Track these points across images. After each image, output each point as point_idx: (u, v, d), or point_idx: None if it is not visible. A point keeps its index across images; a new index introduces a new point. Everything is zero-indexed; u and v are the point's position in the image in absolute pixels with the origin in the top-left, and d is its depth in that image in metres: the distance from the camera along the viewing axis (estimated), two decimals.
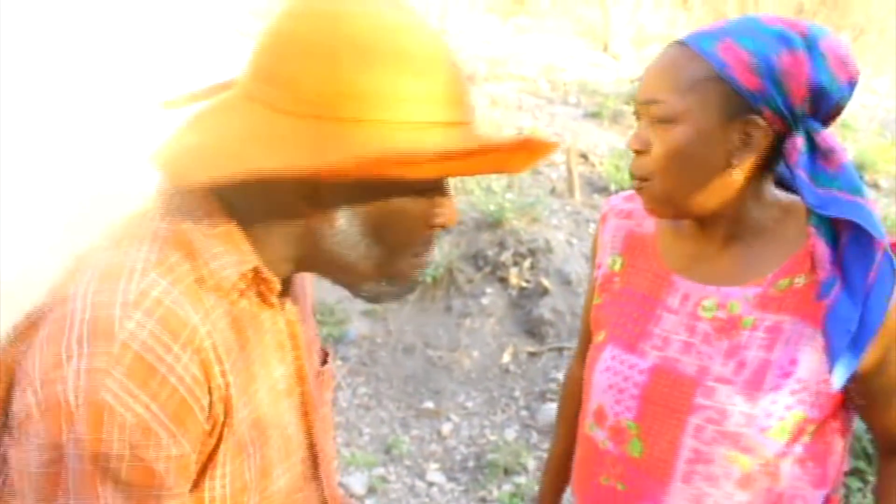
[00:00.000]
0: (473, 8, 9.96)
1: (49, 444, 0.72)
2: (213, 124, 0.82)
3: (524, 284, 4.56)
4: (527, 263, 4.65)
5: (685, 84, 1.13)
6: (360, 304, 4.54)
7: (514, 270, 4.62)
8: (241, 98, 0.82)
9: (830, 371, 1.11)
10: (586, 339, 1.43)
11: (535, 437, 3.85)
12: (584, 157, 6.06)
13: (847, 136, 7.31)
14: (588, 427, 1.32)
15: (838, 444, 1.23)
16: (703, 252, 1.25)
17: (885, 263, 1.12)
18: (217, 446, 0.81)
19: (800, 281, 1.17)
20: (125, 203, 0.91)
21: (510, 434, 3.86)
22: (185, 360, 0.75)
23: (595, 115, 7.08)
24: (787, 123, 1.14)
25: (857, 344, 1.11)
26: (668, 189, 1.17)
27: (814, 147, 1.16)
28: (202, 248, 0.82)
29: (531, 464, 3.65)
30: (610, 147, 6.26)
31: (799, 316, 1.16)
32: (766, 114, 1.12)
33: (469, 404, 4.07)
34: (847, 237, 1.13)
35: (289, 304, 0.94)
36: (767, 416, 1.14)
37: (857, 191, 1.13)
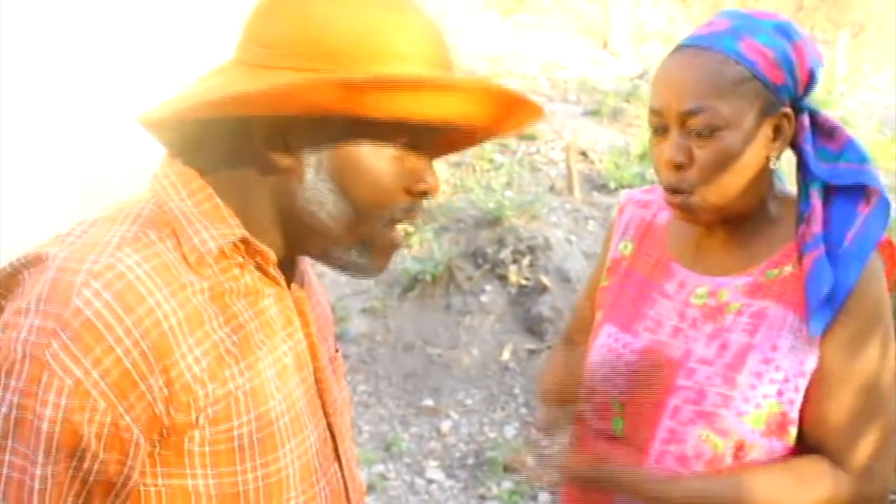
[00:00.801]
0: (473, 5, 9.96)
1: None
2: (200, 83, 0.87)
3: (523, 282, 4.57)
4: (526, 261, 4.66)
5: (729, 88, 1.13)
6: (360, 302, 4.54)
7: (513, 268, 4.63)
8: (230, 62, 0.87)
9: (807, 321, 1.15)
10: (582, 318, 1.46)
11: (534, 434, 3.85)
12: (584, 154, 6.06)
13: None
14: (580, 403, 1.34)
15: None
16: (707, 243, 1.27)
17: (870, 225, 1.17)
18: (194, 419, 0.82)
19: (787, 270, 1.20)
20: (124, 191, 0.93)
21: (510, 431, 3.87)
22: (136, 335, 0.76)
23: (595, 113, 7.08)
24: (796, 108, 1.20)
25: (831, 301, 1.15)
26: (718, 198, 1.17)
27: (814, 128, 1.23)
28: (185, 225, 0.84)
29: (530, 461, 3.66)
30: (609, 144, 6.26)
31: (783, 303, 1.19)
32: (787, 104, 1.18)
33: (468, 402, 4.08)
34: (832, 202, 1.20)
35: (297, 281, 0.95)
36: (745, 400, 1.15)
37: (864, 160, 1.21)
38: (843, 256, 1.16)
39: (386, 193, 0.86)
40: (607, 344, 1.29)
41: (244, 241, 0.86)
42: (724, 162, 1.15)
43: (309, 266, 1.02)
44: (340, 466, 0.98)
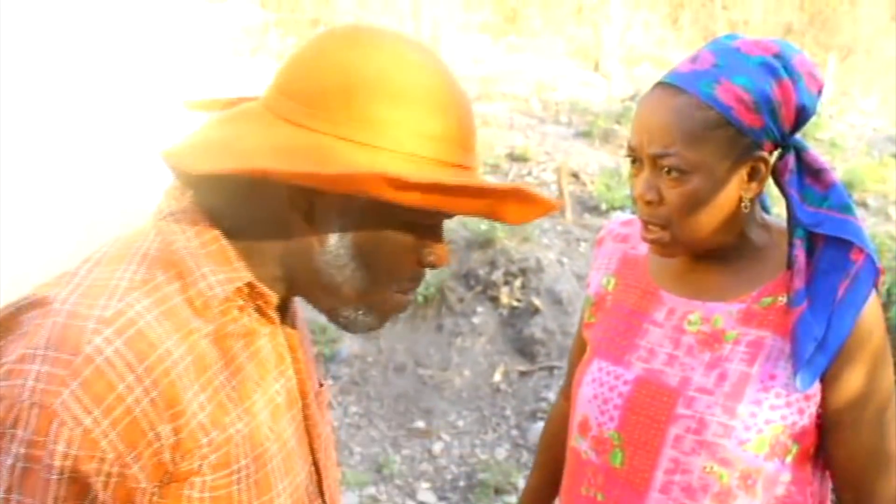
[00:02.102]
0: (466, 27, 10.02)
1: None
2: (228, 127, 0.86)
3: (515, 304, 4.57)
4: (518, 283, 4.66)
5: (697, 135, 1.13)
6: None
7: (505, 290, 4.63)
8: (261, 108, 0.86)
9: (795, 375, 1.15)
10: (574, 370, 1.45)
11: (525, 456, 3.85)
12: (576, 176, 6.09)
13: (835, 156, 7.37)
14: (574, 439, 1.33)
15: (819, 474, 1.25)
16: (692, 270, 1.27)
17: (863, 277, 1.16)
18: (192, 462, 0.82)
19: (782, 300, 1.20)
20: (130, 219, 0.93)
21: (501, 453, 3.86)
22: (146, 384, 0.76)
23: (586, 135, 7.12)
24: (780, 147, 1.19)
25: (824, 350, 1.15)
26: (688, 235, 1.18)
27: (801, 166, 1.22)
28: (192, 268, 0.83)
29: (521, 483, 3.65)
30: (601, 166, 6.29)
31: (780, 333, 1.19)
32: (766, 146, 1.17)
33: (460, 423, 4.07)
34: (821, 251, 1.19)
35: (289, 320, 0.95)
36: (746, 428, 1.16)
37: (847, 209, 1.19)
38: (837, 308, 1.16)
39: (400, 266, 0.88)
40: (598, 378, 1.28)
41: (249, 285, 0.86)
42: (692, 204, 1.16)
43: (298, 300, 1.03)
44: (324, 502, 0.99)
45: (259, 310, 0.88)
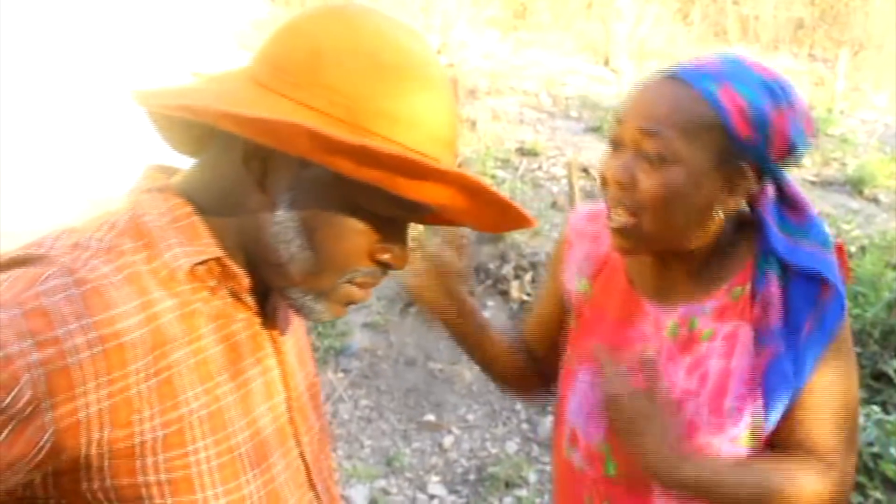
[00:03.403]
0: (475, 22, 10.01)
1: None
2: (204, 80, 0.86)
3: (525, 298, 4.57)
4: (528, 277, 4.66)
5: (690, 126, 1.11)
6: (362, 317, 4.55)
7: (515, 284, 4.63)
8: (241, 71, 0.85)
9: (765, 416, 1.15)
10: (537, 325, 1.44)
11: (536, 450, 3.85)
12: (586, 171, 6.08)
13: (847, 151, 7.34)
14: (565, 451, 1.32)
15: None
16: (670, 274, 1.25)
17: (829, 315, 1.14)
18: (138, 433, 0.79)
19: (747, 289, 1.20)
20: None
21: (511, 447, 3.87)
22: (90, 337, 0.73)
23: (596, 129, 7.12)
24: (761, 172, 1.16)
25: (788, 389, 1.14)
26: (656, 228, 1.15)
27: (780, 196, 1.19)
28: (159, 239, 0.82)
29: (532, 477, 3.65)
30: None
31: (750, 322, 1.18)
32: (749, 163, 1.14)
33: (470, 417, 4.07)
34: (793, 285, 1.16)
35: (270, 309, 0.93)
36: (735, 424, 1.16)
37: (822, 243, 1.17)
38: (801, 347, 1.14)
39: (349, 254, 0.84)
40: (584, 390, 1.27)
41: (219, 262, 0.85)
42: (667, 196, 1.12)
43: None
44: (317, 495, 0.97)
45: (234, 294, 0.87)
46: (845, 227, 5.40)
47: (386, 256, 0.86)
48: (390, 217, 0.84)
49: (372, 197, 0.81)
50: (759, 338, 1.16)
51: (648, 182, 1.12)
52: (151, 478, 0.79)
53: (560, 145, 6.55)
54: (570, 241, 1.37)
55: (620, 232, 1.17)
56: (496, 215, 0.86)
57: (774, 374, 1.14)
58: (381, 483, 3.63)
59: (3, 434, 0.69)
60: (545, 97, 8.06)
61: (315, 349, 4.21)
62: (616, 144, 1.17)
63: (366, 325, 4.53)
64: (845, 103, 9.05)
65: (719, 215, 1.16)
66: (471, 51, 8.83)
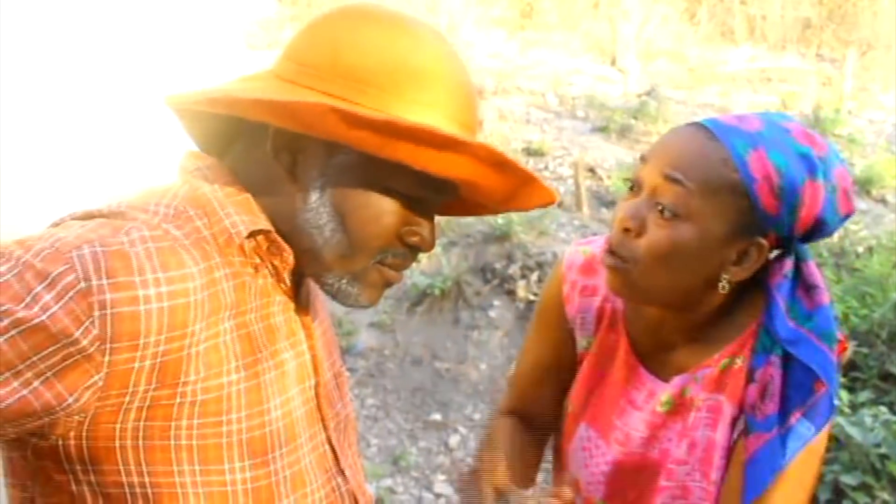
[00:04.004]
0: (482, 22, 10.01)
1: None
2: (232, 81, 0.90)
3: (532, 297, 4.57)
4: (534, 276, 4.66)
5: (711, 185, 1.05)
6: (369, 316, 4.56)
7: (521, 283, 4.64)
8: (266, 71, 0.89)
9: (746, 498, 1.08)
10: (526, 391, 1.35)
11: None
12: (592, 170, 6.08)
13: (854, 152, 7.32)
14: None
15: None
16: (668, 337, 1.20)
17: (818, 411, 1.08)
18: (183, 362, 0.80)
19: (738, 362, 1.14)
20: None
21: None
22: (161, 290, 0.76)
23: (602, 129, 7.11)
24: (782, 246, 1.11)
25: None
26: (651, 282, 1.10)
27: (797, 275, 1.12)
28: (218, 208, 0.86)
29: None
30: (617, 161, 6.28)
31: (733, 400, 1.14)
32: (770, 235, 1.08)
33: (476, 416, 4.08)
34: (791, 372, 1.10)
35: (303, 298, 0.95)
36: (720, 492, 1.14)
37: (827, 337, 1.09)
38: (787, 434, 1.08)
39: (380, 235, 0.87)
40: (585, 446, 1.26)
41: (268, 237, 0.87)
42: (669, 253, 1.06)
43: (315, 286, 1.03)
44: (346, 480, 0.98)
45: (274, 273, 0.89)
46: (853, 227, 5.38)
47: (415, 239, 0.88)
48: (418, 198, 0.87)
49: (399, 177, 0.84)
50: (752, 423, 1.10)
51: (655, 234, 1.07)
52: (183, 441, 0.81)
53: (566, 145, 6.55)
54: (569, 297, 1.29)
55: (614, 273, 1.13)
56: (520, 189, 0.89)
57: (764, 460, 1.09)
58: (388, 482, 3.63)
59: (61, 365, 0.72)
60: (552, 97, 8.06)
61: None
62: (636, 185, 1.12)
63: (372, 325, 4.54)
64: (853, 103, 9.03)
65: (724, 287, 1.10)
66: (477, 50, 8.83)
